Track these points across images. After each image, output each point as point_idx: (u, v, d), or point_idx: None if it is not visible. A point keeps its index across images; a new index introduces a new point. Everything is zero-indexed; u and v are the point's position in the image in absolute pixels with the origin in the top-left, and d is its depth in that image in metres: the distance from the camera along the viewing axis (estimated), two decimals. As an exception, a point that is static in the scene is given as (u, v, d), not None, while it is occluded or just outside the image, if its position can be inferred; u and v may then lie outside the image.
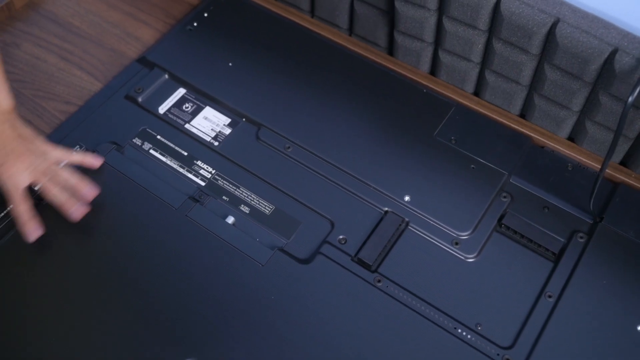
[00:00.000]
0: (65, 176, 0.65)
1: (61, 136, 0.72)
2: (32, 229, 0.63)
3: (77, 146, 0.71)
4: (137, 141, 0.72)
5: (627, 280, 0.60)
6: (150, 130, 0.72)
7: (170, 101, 0.75)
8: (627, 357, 0.56)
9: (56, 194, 0.64)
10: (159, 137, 0.72)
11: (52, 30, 0.83)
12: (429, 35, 0.72)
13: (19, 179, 0.63)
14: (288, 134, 0.71)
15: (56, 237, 0.64)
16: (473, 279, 0.62)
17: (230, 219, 0.66)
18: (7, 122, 0.64)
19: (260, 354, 0.57)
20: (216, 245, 0.63)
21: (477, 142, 0.70)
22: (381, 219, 0.65)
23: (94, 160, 0.68)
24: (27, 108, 0.76)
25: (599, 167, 0.66)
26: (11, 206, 0.63)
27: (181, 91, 0.76)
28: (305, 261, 0.63)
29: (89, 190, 0.65)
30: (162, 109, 0.74)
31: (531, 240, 0.63)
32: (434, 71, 0.77)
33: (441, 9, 0.69)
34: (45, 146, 0.66)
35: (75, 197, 0.65)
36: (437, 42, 0.73)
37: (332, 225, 0.65)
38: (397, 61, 0.78)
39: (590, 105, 0.67)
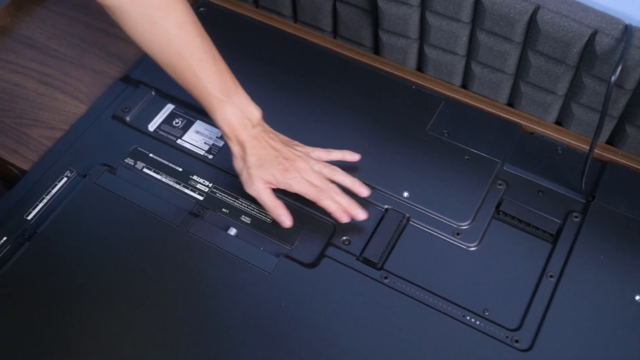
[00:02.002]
0: (340, 177, 0.70)
1: (50, 162, 0.76)
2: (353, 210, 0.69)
3: (68, 171, 0.76)
4: (130, 161, 0.77)
5: (622, 253, 0.68)
6: (141, 149, 0.78)
7: (159, 118, 0.81)
8: (629, 326, 0.64)
9: (338, 197, 0.69)
10: (151, 155, 0.77)
11: (29, 55, 0.88)
12: (414, 31, 0.79)
13: (305, 177, 0.68)
14: (282, 139, 0.77)
15: (58, 266, 0.69)
16: (476, 266, 0.69)
17: (233, 231, 0.71)
18: (267, 131, 0.70)
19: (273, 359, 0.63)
20: (221, 258, 0.69)
21: (468, 133, 0.78)
22: (382, 217, 0.72)
23: (353, 155, 0.73)
24: (10, 137, 0.81)
25: (588, 148, 0.74)
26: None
27: (169, 107, 0.82)
28: (312, 265, 0.69)
29: (365, 189, 0.70)
30: (152, 126, 0.80)
31: (529, 224, 0.71)
32: (421, 67, 0.84)
33: (424, 4, 0.76)
34: (305, 147, 0.72)
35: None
36: (422, 37, 0.80)
37: (335, 227, 0.72)
38: (383, 60, 0.85)
39: (574, 88, 0.75)
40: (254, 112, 0.69)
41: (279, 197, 0.70)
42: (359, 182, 0.71)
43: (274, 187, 0.69)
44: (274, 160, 0.68)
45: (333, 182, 0.70)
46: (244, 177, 0.70)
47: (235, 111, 0.68)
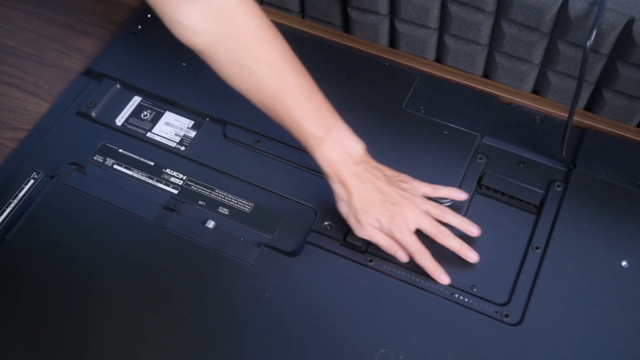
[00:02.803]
0: (449, 218, 0.66)
1: (15, 165, 0.74)
2: (443, 272, 0.65)
3: (34, 173, 0.73)
4: (99, 158, 0.75)
5: (606, 220, 0.68)
6: (110, 145, 0.76)
7: (126, 111, 0.78)
8: (616, 292, 0.64)
9: (449, 239, 0.65)
10: (121, 150, 0.75)
11: (-16, 54, 0.85)
12: (383, 7, 0.78)
13: (410, 226, 0.65)
14: (256, 127, 0.75)
15: (31, 273, 0.67)
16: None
17: (211, 224, 0.70)
18: (371, 169, 0.65)
19: (263, 352, 0.62)
20: (200, 252, 0.67)
21: (445, 108, 0.76)
22: (363, 199, 0.71)
23: (460, 194, 0.69)
24: (-31, 141, 0.78)
25: (566, 115, 0.74)
26: (417, 256, 0.65)
27: (136, 99, 0.79)
28: (294, 253, 0.68)
29: (475, 228, 0.67)
30: (119, 120, 0.78)
31: (512, 197, 0.70)
32: (393, 43, 0.83)
33: (392, -21, 0.75)
34: (411, 182, 0.68)
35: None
36: (392, 13, 0.79)
37: (316, 213, 0.70)
38: (354, 38, 0.83)
39: (550, 56, 0.74)
40: (356, 147, 0.64)
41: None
42: (468, 221, 0.67)
43: (381, 230, 0.66)
44: (381, 205, 0.64)
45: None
46: (351, 223, 0.66)
47: (335, 148, 0.63)
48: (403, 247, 0.65)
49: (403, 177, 0.68)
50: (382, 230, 0.65)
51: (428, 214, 0.66)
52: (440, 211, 0.66)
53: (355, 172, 0.64)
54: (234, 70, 0.62)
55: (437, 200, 0.69)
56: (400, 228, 0.65)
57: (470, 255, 0.66)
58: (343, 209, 0.66)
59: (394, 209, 0.64)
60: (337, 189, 0.65)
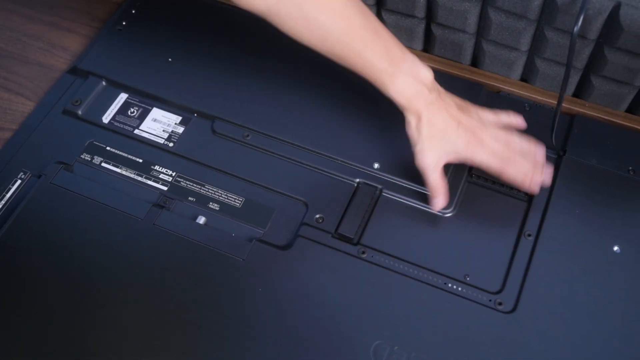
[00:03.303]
0: (517, 142, 0.67)
1: (1, 165, 0.73)
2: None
3: (21, 173, 0.72)
4: (86, 156, 0.74)
5: (597, 205, 0.68)
6: (97, 143, 0.75)
7: (113, 109, 0.77)
8: (609, 278, 0.64)
9: (522, 163, 0.66)
10: (108, 148, 0.74)
11: (-34, 54, 0.84)
12: (370, -1, 0.77)
13: (485, 154, 0.65)
14: (244, 121, 0.75)
15: (21, 274, 0.66)
16: (454, 232, 0.68)
17: (202, 219, 0.69)
18: (442, 97, 0.66)
19: (258, 347, 0.61)
20: (192, 248, 0.67)
21: (434, 97, 0.76)
22: (355, 191, 0.70)
23: (519, 120, 0.69)
24: (-46, 142, 0.77)
25: (554, 102, 0.73)
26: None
27: (123, 96, 0.78)
28: (286, 247, 0.67)
29: (542, 151, 0.67)
30: (106, 118, 0.77)
31: (502, 185, 0.70)
32: (379, 33, 0.82)
33: (378, -32, 0.74)
34: (477, 110, 0.68)
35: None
36: (379, 3, 0.78)
37: (307, 206, 0.70)
38: (340, 29, 0.82)
39: (537, 43, 0.73)
40: (426, 74, 0.65)
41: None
42: (534, 141, 0.67)
43: (452, 159, 0.66)
44: (455, 131, 0.65)
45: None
46: (418, 148, 0.66)
47: (408, 80, 0.64)
48: (485, 168, 0.66)
49: (469, 105, 0.69)
50: (456, 156, 0.66)
51: (500, 141, 0.66)
52: (508, 135, 0.67)
53: (430, 100, 0.65)
54: (298, 25, 0.62)
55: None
56: (478, 151, 0.65)
57: (545, 178, 0.66)
58: (413, 133, 0.66)
59: (469, 134, 0.65)
60: (410, 118, 0.66)
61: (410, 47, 0.81)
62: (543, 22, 0.71)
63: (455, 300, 0.63)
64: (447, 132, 0.65)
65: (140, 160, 0.73)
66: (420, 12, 0.76)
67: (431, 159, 0.65)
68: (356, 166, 0.72)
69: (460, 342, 0.61)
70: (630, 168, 0.70)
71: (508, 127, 0.69)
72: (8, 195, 0.71)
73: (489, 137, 0.66)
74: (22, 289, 0.65)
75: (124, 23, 0.83)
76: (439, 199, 0.66)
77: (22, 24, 0.86)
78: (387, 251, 0.66)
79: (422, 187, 0.70)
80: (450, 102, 0.66)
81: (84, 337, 0.62)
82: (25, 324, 0.63)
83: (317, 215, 0.69)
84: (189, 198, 0.71)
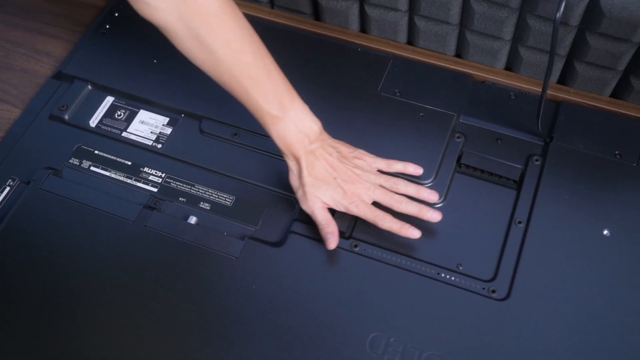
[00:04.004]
0: (403, 188, 0.66)
1: (-11, 172, 0.72)
2: (411, 227, 0.64)
3: (10, 180, 0.71)
4: (75, 161, 0.73)
5: (586, 190, 0.68)
6: (85, 147, 0.73)
7: (99, 112, 0.76)
8: (599, 261, 0.64)
9: (406, 205, 0.65)
10: (96, 152, 0.73)
11: (-51, 63, 0.82)
12: (352, -8, 0.76)
13: (364, 199, 0.64)
14: (231, 120, 0.74)
15: (13, 281, 0.64)
16: (445, 222, 0.67)
17: (193, 219, 0.68)
18: (325, 146, 0.65)
19: (254, 344, 0.60)
20: (184, 249, 0.66)
21: (420, 89, 0.75)
22: (344, 185, 0.69)
23: (416, 169, 0.68)
24: (-59, 151, 0.75)
25: (539, 90, 0.73)
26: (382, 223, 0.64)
27: (109, 99, 0.77)
28: (279, 243, 0.66)
29: (430, 193, 0.66)
30: (93, 122, 0.75)
31: (491, 173, 0.69)
32: (364, 28, 0.81)
33: (358, -36, 0.73)
34: (365, 157, 0.67)
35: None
36: (361, -3, 0.77)
37: (297, 202, 0.69)
38: (325, 25, 0.81)
39: (520, 31, 0.73)
40: (312, 126, 0.64)
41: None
42: (424, 188, 0.67)
43: (333, 206, 0.65)
44: (332, 182, 0.64)
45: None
46: (299, 195, 0.66)
47: (291, 127, 0.63)
48: (362, 218, 0.65)
49: (359, 153, 0.68)
50: (334, 207, 0.65)
51: (382, 187, 0.66)
52: (393, 183, 0.66)
53: (310, 149, 0.64)
54: (193, 47, 0.61)
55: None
56: (355, 203, 0.65)
57: (431, 215, 0.65)
58: (294, 181, 0.66)
59: (346, 185, 0.65)
60: (291, 164, 0.66)
61: (394, 40, 0.80)
62: (525, 10, 0.70)
63: (449, 290, 0.63)
64: (325, 182, 0.65)
65: (129, 163, 0.72)
66: (404, 5, 0.75)
67: (310, 204, 0.65)
68: (345, 160, 0.71)
69: (456, 331, 0.60)
70: (616, 152, 0.70)
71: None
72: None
73: (365, 189, 0.65)
74: (16, 294, 0.64)
75: (107, 26, 0.82)
76: (329, 235, 0.64)
77: (5, 31, 0.85)
78: (379, 244, 0.66)
79: (412, 178, 0.69)
80: (331, 152, 0.66)
81: (80, 341, 0.61)
82: (19, 329, 0.62)
83: (309, 211, 0.68)
84: (180, 198, 0.70)
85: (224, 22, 0.60)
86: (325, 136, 0.66)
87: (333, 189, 0.65)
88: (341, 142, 0.68)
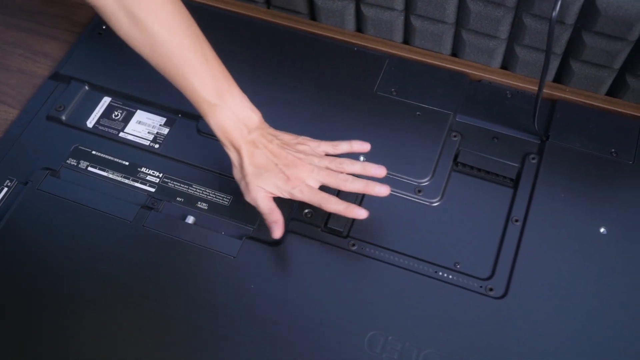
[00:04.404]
0: (348, 168, 0.64)
1: (-14, 174, 0.71)
2: (357, 207, 0.62)
3: (7, 180, 0.70)
4: (72, 161, 0.72)
5: (583, 188, 0.67)
6: (83, 148, 0.73)
7: (97, 113, 0.75)
8: (596, 259, 0.63)
9: (353, 183, 0.63)
10: (94, 152, 0.72)
11: (-53, 63, 0.81)
12: (348, -9, 0.76)
13: (309, 183, 0.62)
14: (229, 120, 0.73)
15: (11, 283, 0.64)
16: (442, 221, 0.66)
17: (190, 219, 0.67)
18: (266, 135, 0.63)
19: (252, 344, 0.60)
20: (182, 248, 0.65)
21: (417, 89, 0.75)
22: (341, 184, 0.69)
23: (362, 145, 0.66)
24: (-62, 152, 0.74)
25: (536, 89, 0.72)
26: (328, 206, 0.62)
27: (106, 100, 0.76)
28: (277, 243, 0.65)
29: (377, 168, 0.64)
30: (90, 122, 0.75)
31: (488, 172, 0.69)
32: (360, 28, 0.81)
33: (355, -37, 0.72)
34: (310, 142, 0.65)
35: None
36: (357, -4, 0.77)
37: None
38: (321, 25, 0.81)
39: (516, 30, 0.72)
40: (251, 116, 0.63)
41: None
42: (370, 164, 0.65)
43: (277, 194, 0.64)
44: (274, 168, 0.63)
45: None
46: (242, 187, 0.64)
47: (229, 116, 0.62)
48: (308, 203, 0.64)
49: (302, 139, 0.66)
50: (279, 194, 0.63)
51: (327, 169, 0.64)
52: (338, 163, 0.65)
53: (250, 139, 0.63)
54: (132, 30, 0.60)
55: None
56: (299, 187, 0.63)
57: (379, 190, 0.63)
58: (236, 173, 0.65)
59: (288, 170, 0.63)
60: (232, 155, 0.64)
61: (390, 39, 0.79)
62: (521, 9, 0.70)
63: (447, 288, 0.62)
64: (266, 169, 0.63)
65: (127, 163, 0.72)
66: (400, 5, 0.75)
67: (253, 195, 0.63)
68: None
69: (454, 329, 0.60)
70: (612, 150, 0.69)
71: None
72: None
73: (308, 172, 0.63)
74: (14, 295, 0.63)
75: (104, 27, 0.81)
76: (273, 224, 0.63)
77: (2, 32, 0.84)
78: (376, 242, 0.65)
79: (409, 178, 0.69)
80: (272, 139, 0.64)
81: (78, 341, 0.61)
82: (17, 329, 0.61)
83: (306, 210, 0.67)
84: (177, 198, 0.69)
85: (163, 4, 0.59)
86: (265, 126, 0.65)
87: (275, 175, 0.63)
88: (283, 131, 0.66)
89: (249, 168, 0.63)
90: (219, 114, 0.62)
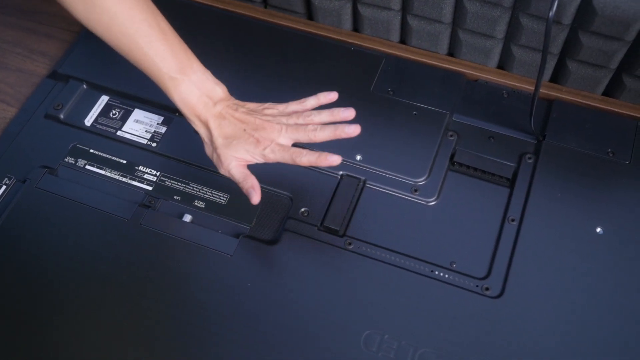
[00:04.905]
0: (316, 118, 0.62)
1: (-15, 172, 0.70)
2: (329, 154, 0.59)
3: (6, 178, 0.69)
4: (70, 160, 0.71)
5: (579, 188, 0.66)
6: (81, 146, 0.72)
7: (95, 111, 0.74)
8: (592, 258, 0.62)
9: (323, 132, 0.60)
10: (92, 150, 0.71)
11: (-54, 62, 0.80)
12: (345, -9, 0.75)
13: (280, 142, 0.60)
14: (226, 119, 0.72)
15: (9, 280, 0.63)
16: (438, 220, 0.66)
17: (188, 217, 0.67)
18: (231, 105, 0.61)
19: (249, 342, 0.59)
20: (179, 246, 0.64)
21: (413, 88, 0.74)
22: (338, 184, 0.68)
23: (328, 95, 0.63)
24: (-62, 149, 0.73)
25: (532, 89, 0.71)
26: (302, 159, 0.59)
27: (104, 99, 0.75)
28: (273, 241, 0.65)
29: (346, 110, 0.61)
30: (88, 120, 0.74)
31: (484, 172, 0.68)
32: (357, 27, 0.80)
33: (352, -37, 0.71)
34: (277, 106, 0.63)
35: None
36: (355, -4, 0.76)
37: (291, 200, 0.67)
38: (318, 24, 0.80)
39: (513, 30, 0.71)
40: (215, 88, 0.61)
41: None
42: (337, 109, 0.62)
43: (250, 160, 0.62)
44: (243, 134, 0.60)
45: None
46: (214, 160, 0.62)
47: (192, 89, 0.60)
48: (281, 161, 0.61)
49: (269, 105, 0.64)
50: (252, 160, 0.61)
51: (295, 125, 0.62)
52: (306, 116, 0.62)
53: (215, 111, 0.61)
54: (86, 9, 0.58)
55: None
56: (270, 147, 0.60)
57: (348, 130, 0.60)
58: (208, 150, 0.63)
59: (257, 133, 0.61)
60: (201, 131, 0.62)
61: (387, 39, 0.78)
62: (518, 9, 0.69)
63: (443, 288, 0.61)
64: (235, 137, 0.61)
65: (124, 162, 0.71)
66: (396, 4, 0.74)
67: (227, 165, 0.61)
68: (339, 158, 0.69)
69: (450, 328, 0.59)
70: (609, 150, 0.68)
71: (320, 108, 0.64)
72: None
73: (278, 131, 0.61)
74: (12, 292, 0.62)
75: (102, 26, 0.80)
76: (250, 190, 0.60)
77: (1, 31, 0.83)
78: (373, 241, 0.64)
79: (405, 177, 0.68)
80: (237, 108, 0.62)
81: (75, 339, 0.60)
82: (15, 327, 0.60)
83: (303, 209, 0.66)
84: (174, 197, 0.68)
85: None
86: (230, 97, 0.63)
87: (245, 140, 0.60)
88: (249, 102, 0.64)
89: (218, 140, 0.61)
90: (182, 88, 0.60)
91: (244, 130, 0.60)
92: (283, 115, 0.62)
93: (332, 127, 0.60)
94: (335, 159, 0.59)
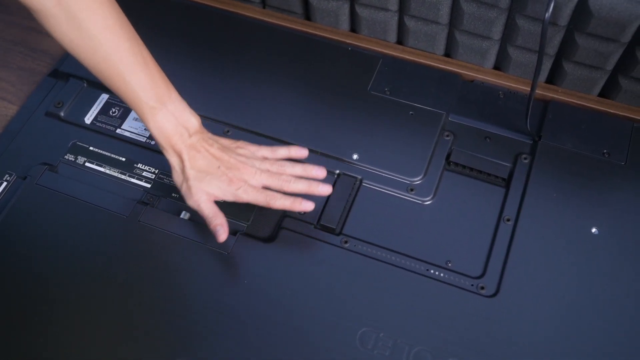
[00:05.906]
0: (289, 170, 0.62)
1: (-14, 168, 0.69)
2: (302, 200, 0.61)
3: (6, 175, 0.68)
4: (70, 157, 0.69)
5: (574, 188, 0.64)
6: (81, 143, 0.70)
7: (94, 109, 0.73)
8: (587, 259, 0.60)
9: (295, 184, 0.61)
10: (91, 148, 0.70)
11: (-53, 61, 0.79)
12: (343, -8, 0.73)
13: (252, 184, 0.60)
14: (224, 118, 0.70)
15: (9, 276, 0.62)
16: (434, 220, 0.64)
17: (186, 215, 0.65)
18: (206, 139, 0.61)
19: (245, 339, 0.58)
20: (177, 243, 0.63)
21: (410, 88, 0.72)
22: (335, 182, 0.66)
23: (300, 151, 0.65)
24: (-61, 146, 0.72)
25: (528, 89, 0.70)
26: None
27: (104, 97, 0.74)
28: (270, 239, 0.63)
29: (319, 169, 0.62)
30: (88, 118, 0.72)
31: (480, 171, 0.66)
32: (354, 28, 0.78)
33: (350, -36, 0.70)
34: (248, 147, 0.63)
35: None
36: (352, -3, 0.74)
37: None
38: (316, 25, 0.78)
39: (509, 31, 0.70)
40: (191, 119, 0.60)
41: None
42: (311, 166, 0.63)
43: (220, 197, 0.61)
44: (217, 171, 0.60)
45: None
46: (184, 190, 0.61)
47: (169, 119, 0.59)
48: (254, 203, 0.61)
49: (241, 143, 0.64)
50: (222, 197, 0.61)
51: (268, 172, 0.62)
52: (279, 166, 0.62)
53: (190, 142, 0.60)
54: (71, 33, 0.56)
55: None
56: (242, 187, 0.60)
57: (321, 189, 0.61)
58: (177, 177, 0.61)
59: (230, 172, 0.60)
60: (172, 160, 0.61)
61: (384, 39, 0.77)
62: (514, 10, 0.67)
63: (438, 286, 0.60)
64: (208, 172, 0.60)
65: (123, 159, 0.69)
66: (394, 5, 0.72)
67: (197, 198, 0.60)
68: (336, 157, 0.68)
69: (445, 326, 0.57)
70: (605, 151, 0.67)
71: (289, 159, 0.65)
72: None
73: (251, 174, 0.61)
74: (12, 288, 0.61)
75: (103, 25, 0.78)
76: (218, 227, 0.60)
77: (2, 29, 0.82)
78: (369, 240, 0.63)
79: (402, 176, 0.66)
80: (212, 143, 0.61)
81: (75, 335, 0.58)
82: (15, 323, 0.59)
83: (299, 207, 0.65)
84: (173, 194, 0.67)
85: (103, 6, 0.56)
86: (205, 130, 0.62)
87: (218, 178, 0.60)
88: (222, 137, 0.64)
89: (190, 172, 0.60)
90: (159, 117, 0.59)
91: (218, 167, 0.60)
92: (255, 158, 0.62)
93: (306, 182, 0.62)
94: (308, 205, 0.60)
